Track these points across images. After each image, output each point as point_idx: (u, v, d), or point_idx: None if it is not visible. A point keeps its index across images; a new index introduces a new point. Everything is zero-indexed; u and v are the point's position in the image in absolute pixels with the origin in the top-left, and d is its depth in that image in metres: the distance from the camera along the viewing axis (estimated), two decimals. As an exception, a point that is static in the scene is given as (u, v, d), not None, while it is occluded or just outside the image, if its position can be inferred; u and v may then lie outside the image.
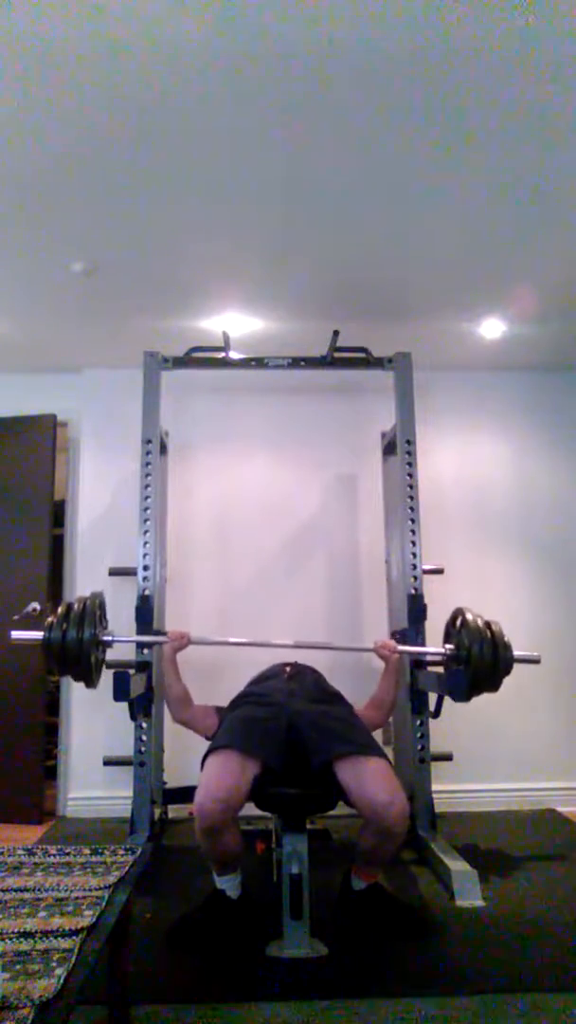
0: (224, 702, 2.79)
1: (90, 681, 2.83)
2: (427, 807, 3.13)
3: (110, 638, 2.90)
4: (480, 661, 2.77)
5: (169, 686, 2.91)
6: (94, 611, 2.80)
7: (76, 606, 2.79)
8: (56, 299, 3.36)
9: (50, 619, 2.77)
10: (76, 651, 2.70)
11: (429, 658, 3.20)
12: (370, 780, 2.24)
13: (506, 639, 2.84)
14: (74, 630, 2.71)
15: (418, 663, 3.23)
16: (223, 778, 2.24)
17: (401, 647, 3.09)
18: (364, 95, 2.09)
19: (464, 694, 2.65)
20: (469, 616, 2.91)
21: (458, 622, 2.97)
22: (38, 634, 2.78)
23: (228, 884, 2.34)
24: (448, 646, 3.00)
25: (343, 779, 2.28)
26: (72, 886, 1.63)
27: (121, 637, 2.96)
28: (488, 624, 2.86)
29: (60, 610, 2.80)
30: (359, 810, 2.27)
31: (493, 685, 2.85)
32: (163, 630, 3.29)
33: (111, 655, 3.16)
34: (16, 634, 2.89)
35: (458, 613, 3.01)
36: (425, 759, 3.19)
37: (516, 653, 2.83)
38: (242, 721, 2.48)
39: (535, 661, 2.91)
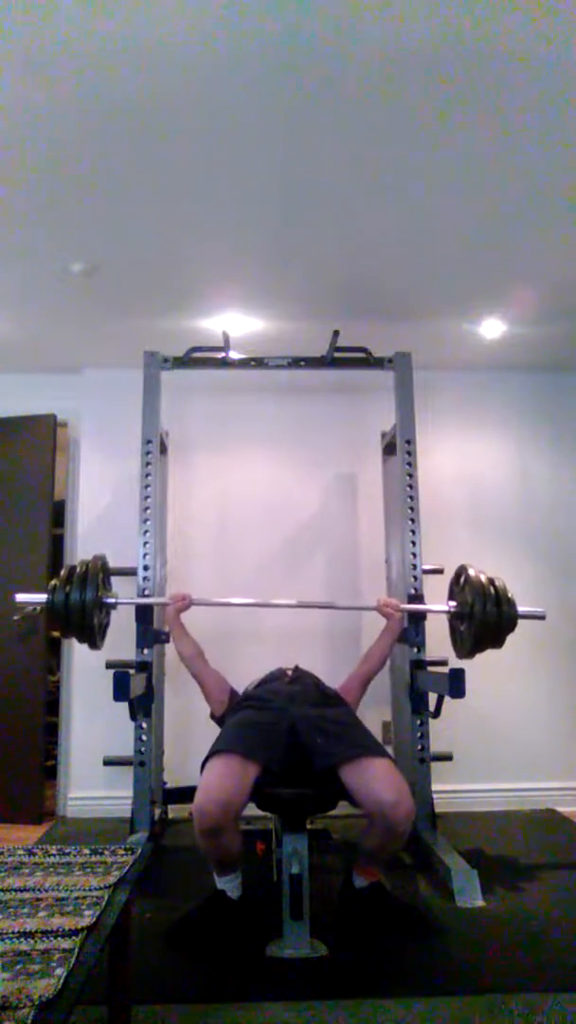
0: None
1: (93, 643, 2.89)
2: (427, 807, 3.13)
3: (113, 600, 2.95)
4: (483, 617, 2.77)
5: (180, 645, 2.95)
6: (96, 573, 2.83)
7: (79, 568, 2.82)
8: (56, 299, 3.36)
9: (53, 582, 2.81)
10: (79, 613, 2.74)
11: (434, 615, 3.21)
12: (376, 781, 2.25)
13: (510, 595, 2.83)
14: (77, 592, 2.74)
15: (418, 663, 3.23)
16: (223, 781, 2.24)
17: (404, 605, 3.09)
18: (364, 94, 2.09)
19: (463, 693, 2.65)
20: (472, 572, 2.91)
21: (461, 579, 2.97)
22: (42, 596, 2.84)
23: (228, 884, 2.34)
24: (451, 603, 3.00)
25: (349, 781, 2.28)
26: (72, 886, 1.63)
27: (123, 599, 3.01)
28: (492, 580, 2.86)
29: (63, 573, 2.84)
30: (365, 810, 2.28)
31: (497, 641, 2.84)
32: (161, 628, 3.30)
33: (111, 655, 3.18)
34: (21, 597, 2.96)
35: (461, 570, 3.01)
36: (425, 759, 3.18)
37: (521, 609, 2.83)
38: (243, 725, 2.48)
39: (540, 617, 2.91)
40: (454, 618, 3.02)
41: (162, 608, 3.21)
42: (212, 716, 2.81)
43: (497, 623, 2.78)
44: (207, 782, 2.25)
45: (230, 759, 2.30)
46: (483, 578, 2.86)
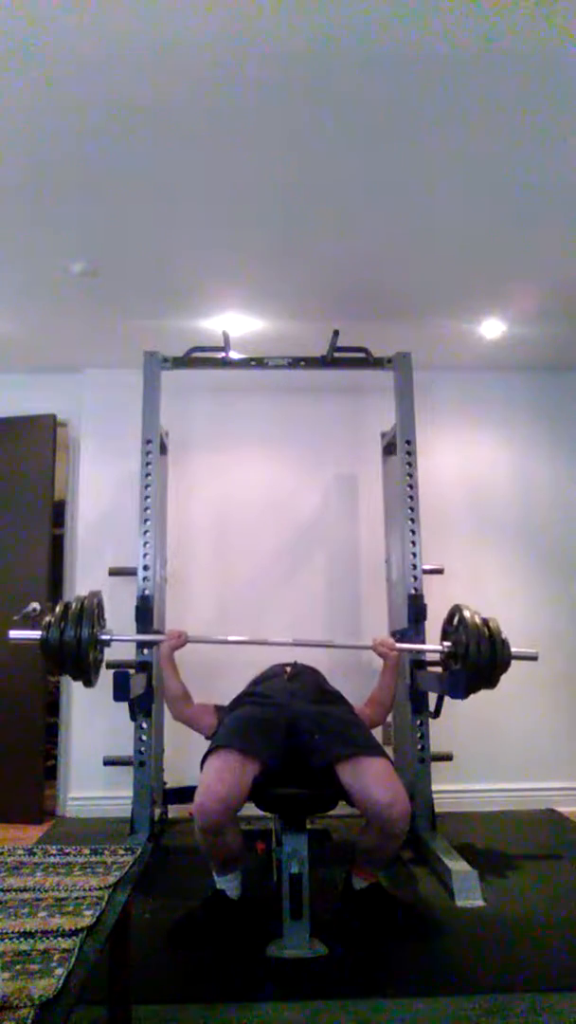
0: (223, 701, 2.79)
1: (88, 680, 2.84)
2: (427, 807, 3.13)
3: (108, 637, 2.91)
4: (478, 658, 2.77)
5: (167, 684, 2.91)
6: (92, 610, 2.80)
7: (74, 605, 2.80)
8: (56, 299, 3.36)
9: (48, 618, 2.78)
10: (74, 650, 2.71)
11: (427, 656, 3.20)
12: (372, 780, 2.24)
13: (503, 635, 2.84)
14: (72, 629, 2.71)
15: (418, 663, 3.23)
16: (223, 777, 2.23)
17: (399, 644, 3.09)
18: (364, 94, 2.09)
19: (463, 693, 2.65)
20: (467, 613, 2.91)
21: (455, 619, 2.97)
22: (36, 633, 2.79)
23: (228, 884, 2.35)
24: (446, 643, 3.00)
25: (345, 780, 2.28)
26: (72, 886, 1.63)
27: (119, 636, 2.97)
28: (486, 621, 2.86)
29: (58, 609, 2.81)
30: (361, 810, 2.27)
31: (491, 682, 2.85)
32: (162, 630, 3.29)
33: (111, 655, 3.17)
34: (14, 633, 2.89)
35: (455, 610, 3.00)
36: (425, 759, 3.19)
37: (514, 650, 2.84)
38: (242, 721, 2.48)
39: (532, 658, 2.91)
40: (448, 658, 3.02)
41: (155, 647, 3.16)
42: (206, 737, 2.76)
43: (491, 664, 2.79)
44: (207, 779, 2.25)
45: (229, 755, 2.30)
46: (477, 619, 2.87)
